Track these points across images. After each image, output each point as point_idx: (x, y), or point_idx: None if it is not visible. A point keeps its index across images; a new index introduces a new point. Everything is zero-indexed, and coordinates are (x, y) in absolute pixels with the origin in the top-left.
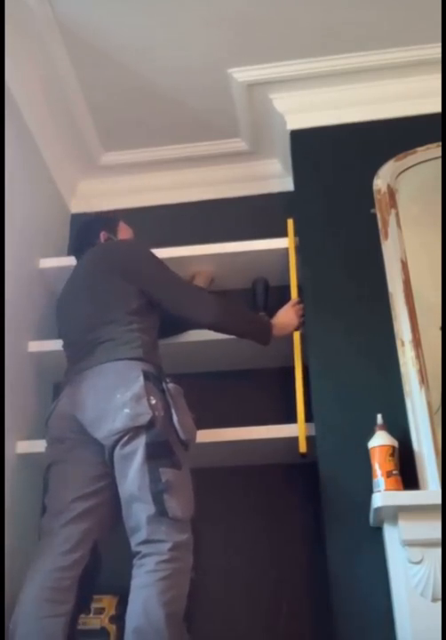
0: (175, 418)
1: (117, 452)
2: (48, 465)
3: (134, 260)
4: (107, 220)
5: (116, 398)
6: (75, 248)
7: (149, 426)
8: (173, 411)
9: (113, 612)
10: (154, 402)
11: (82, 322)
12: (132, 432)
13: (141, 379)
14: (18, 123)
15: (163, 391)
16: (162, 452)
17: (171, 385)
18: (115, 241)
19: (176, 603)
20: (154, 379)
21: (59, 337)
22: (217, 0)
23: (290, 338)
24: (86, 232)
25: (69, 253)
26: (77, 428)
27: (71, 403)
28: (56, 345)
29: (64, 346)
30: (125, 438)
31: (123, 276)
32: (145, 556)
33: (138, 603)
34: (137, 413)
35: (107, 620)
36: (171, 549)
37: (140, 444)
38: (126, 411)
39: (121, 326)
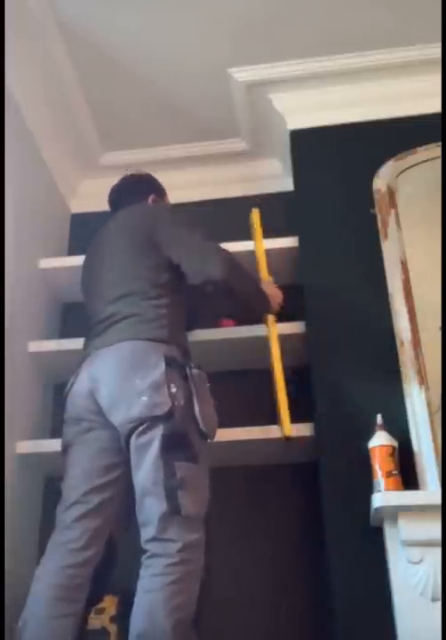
0: (196, 408)
1: (133, 441)
2: (64, 447)
3: (160, 221)
4: (153, 183)
5: (135, 383)
6: (115, 200)
7: (167, 416)
8: (195, 399)
9: (113, 611)
10: (174, 390)
11: (106, 289)
12: (149, 422)
13: (162, 365)
14: (18, 123)
15: (185, 377)
16: (178, 444)
17: (195, 371)
18: (151, 204)
19: (184, 608)
20: (176, 365)
21: (83, 302)
22: (217, 0)
23: (289, 338)
24: (134, 187)
25: (109, 205)
26: (95, 409)
27: (89, 380)
28: (56, 345)
29: (86, 311)
30: (141, 428)
31: (154, 242)
32: (153, 556)
33: (143, 608)
34: (155, 403)
35: (107, 620)
36: (180, 550)
37: (157, 435)
38: (143, 399)
39: (147, 300)
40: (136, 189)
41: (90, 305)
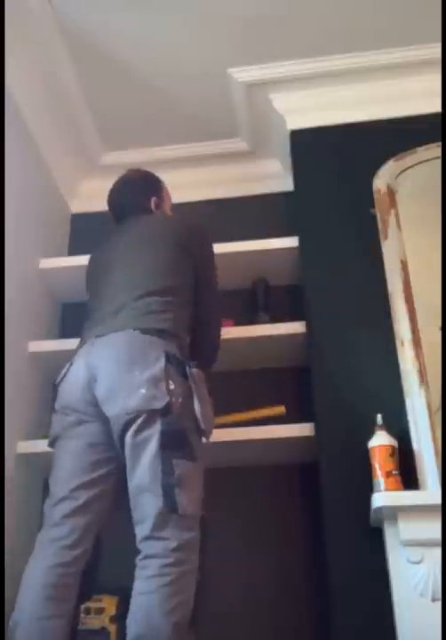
0: (197, 406)
1: (129, 439)
2: (54, 438)
3: (202, 247)
4: (154, 183)
5: (134, 375)
6: (120, 209)
7: (165, 412)
8: (196, 397)
9: (113, 611)
10: (172, 387)
11: (116, 286)
12: (146, 415)
13: (162, 360)
14: (18, 123)
15: (185, 375)
16: (177, 441)
17: (194, 369)
18: (188, 219)
19: (181, 610)
20: (176, 362)
21: (87, 292)
22: (217, 0)
23: (289, 338)
24: (135, 195)
25: (111, 209)
26: (89, 399)
27: (87, 368)
28: (56, 345)
29: (90, 302)
30: (139, 421)
31: (189, 254)
32: (147, 557)
33: (139, 611)
34: (153, 396)
35: (107, 620)
36: (175, 550)
37: (155, 431)
38: (142, 391)
39: (154, 296)
40: (139, 196)
41: (95, 295)
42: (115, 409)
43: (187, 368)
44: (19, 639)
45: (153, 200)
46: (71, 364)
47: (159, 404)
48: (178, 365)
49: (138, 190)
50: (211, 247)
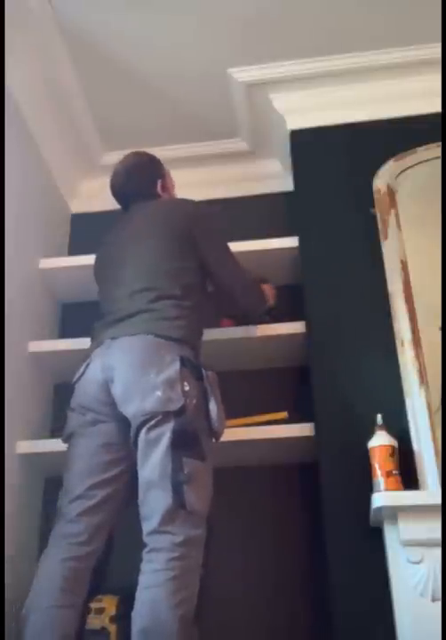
0: (212, 407)
1: (143, 435)
2: (69, 434)
3: (202, 224)
4: (157, 164)
5: (150, 377)
6: (125, 197)
7: (179, 413)
8: (212, 398)
9: (113, 611)
10: (187, 388)
11: (130, 280)
12: (161, 416)
13: (177, 363)
14: (18, 123)
15: (199, 378)
16: (188, 441)
17: (210, 372)
18: (193, 203)
19: (186, 604)
20: (191, 365)
21: (97, 285)
22: (217, 0)
23: (289, 338)
24: (141, 180)
25: (117, 196)
26: (105, 399)
27: (103, 369)
28: (56, 345)
29: (101, 298)
30: (153, 422)
31: (191, 242)
32: (153, 550)
33: (146, 604)
34: (168, 398)
35: (107, 620)
36: (181, 544)
37: (167, 430)
38: (158, 393)
39: (171, 299)
40: (145, 180)
41: (107, 293)
42: (132, 409)
43: (203, 371)
44: (30, 626)
45: (159, 182)
46: (88, 364)
47: (174, 406)
48: (192, 368)
49: (144, 175)
50: (213, 222)
